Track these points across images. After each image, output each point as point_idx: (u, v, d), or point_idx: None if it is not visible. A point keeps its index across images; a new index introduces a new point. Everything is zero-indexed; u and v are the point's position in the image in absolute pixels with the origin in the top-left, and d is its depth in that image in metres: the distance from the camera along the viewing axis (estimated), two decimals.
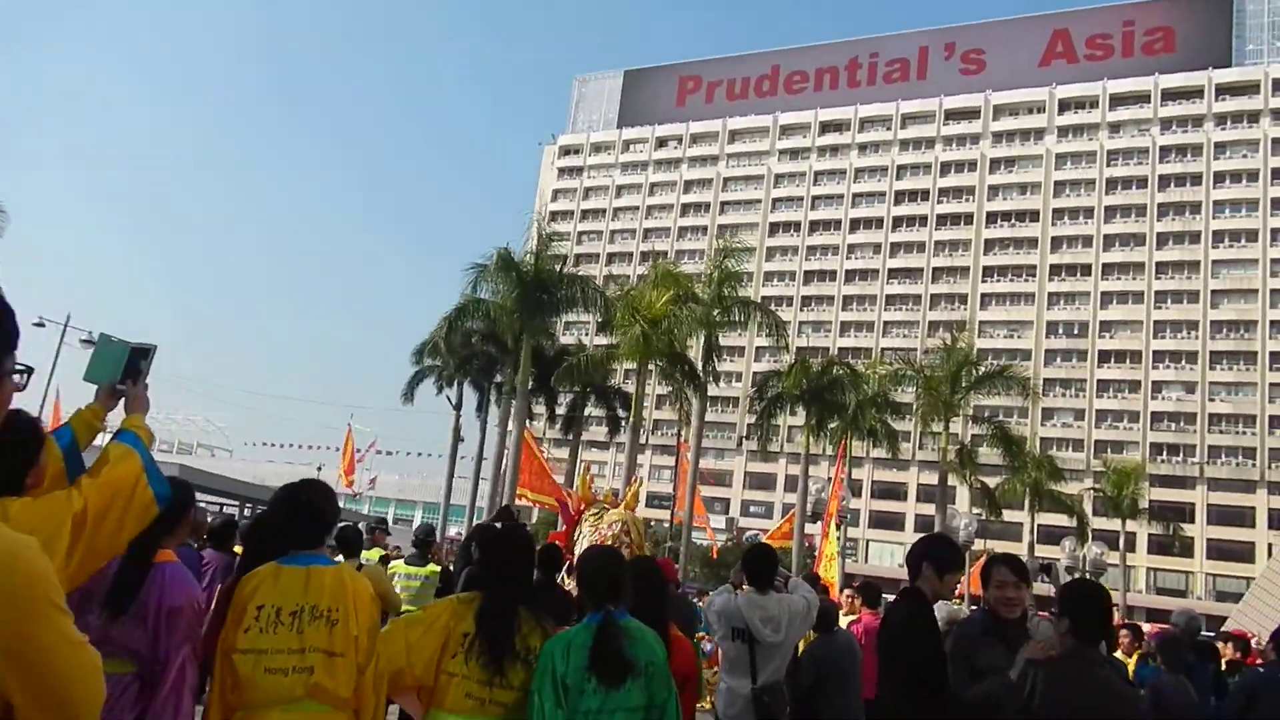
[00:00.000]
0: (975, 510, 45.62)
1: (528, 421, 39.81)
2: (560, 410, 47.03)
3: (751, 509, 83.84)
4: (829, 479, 47.32)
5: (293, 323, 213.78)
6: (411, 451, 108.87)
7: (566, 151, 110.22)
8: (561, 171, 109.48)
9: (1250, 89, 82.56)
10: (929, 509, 59.31)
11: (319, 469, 65.32)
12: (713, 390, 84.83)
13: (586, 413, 49.44)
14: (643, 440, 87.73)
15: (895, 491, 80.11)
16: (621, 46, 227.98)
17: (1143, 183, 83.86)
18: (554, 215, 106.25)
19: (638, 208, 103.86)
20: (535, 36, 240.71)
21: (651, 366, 32.65)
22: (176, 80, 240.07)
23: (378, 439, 75.59)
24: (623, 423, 42.43)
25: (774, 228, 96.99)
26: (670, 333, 28.59)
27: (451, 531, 51.36)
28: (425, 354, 46.83)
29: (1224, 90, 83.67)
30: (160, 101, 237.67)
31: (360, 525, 9.37)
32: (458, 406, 49.81)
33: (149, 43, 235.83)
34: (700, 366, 31.70)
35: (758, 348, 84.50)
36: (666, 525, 49.92)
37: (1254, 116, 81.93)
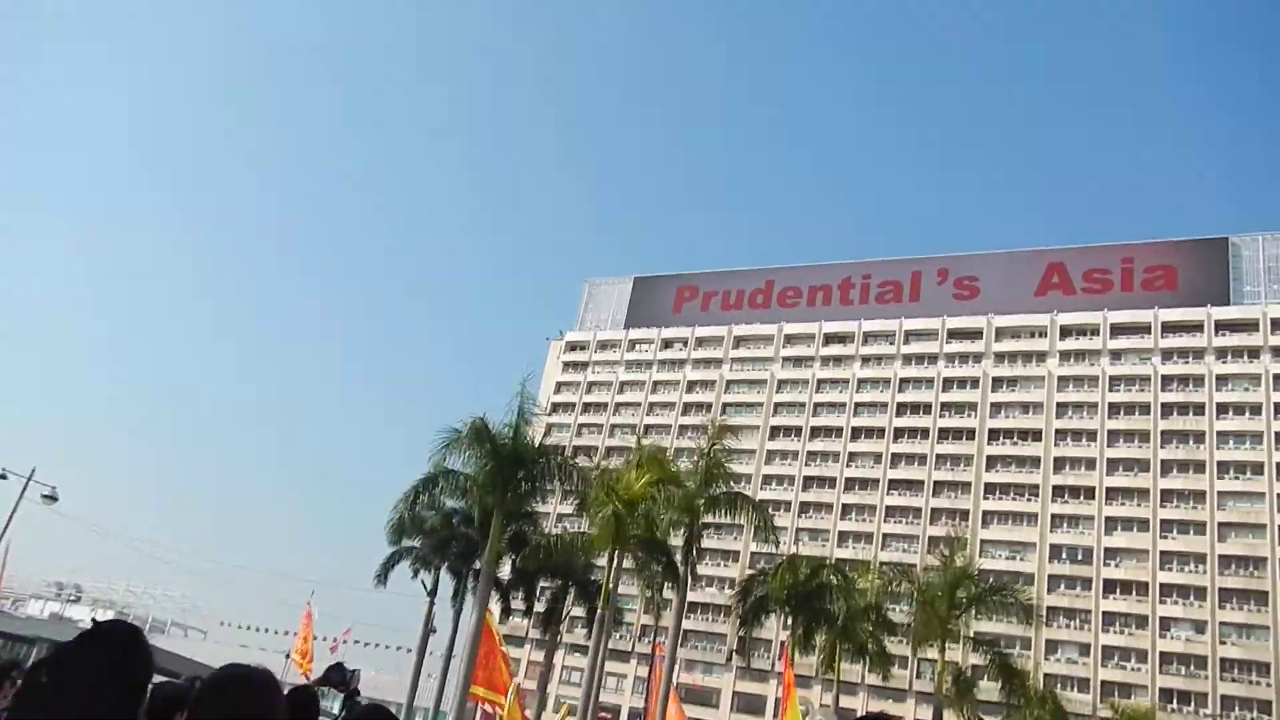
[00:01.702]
0: None
1: (500, 615, 37.60)
2: (541, 607, 44.69)
3: None
4: (822, 706, 44.10)
5: (283, 489, 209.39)
6: (390, 645, 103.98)
7: (573, 347, 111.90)
8: (567, 366, 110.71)
9: (1250, 326, 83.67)
10: None
11: (288, 656, 61.77)
12: (701, 596, 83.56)
13: (568, 611, 47.08)
14: (627, 647, 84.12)
15: None
16: (630, 254, 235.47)
17: (1145, 409, 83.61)
18: (555, 407, 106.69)
19: (639, 404, 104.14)
20: (546, 237, 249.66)
21: (629, 562, 30.94)
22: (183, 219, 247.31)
23: (352, 627, 72.07)
24: (605, 622, 40.01)
25: (774, 431, 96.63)
26: (648, 517, 27.10)
27: None
28: (404, 533, 44.87)
29: (1223, 326, 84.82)
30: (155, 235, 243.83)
31: None
32: (432, 593, 47.24)
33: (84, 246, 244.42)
34: (681, 558, 29.84)
35: (752, 554, 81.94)
36: None
37: (1254, 352, 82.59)
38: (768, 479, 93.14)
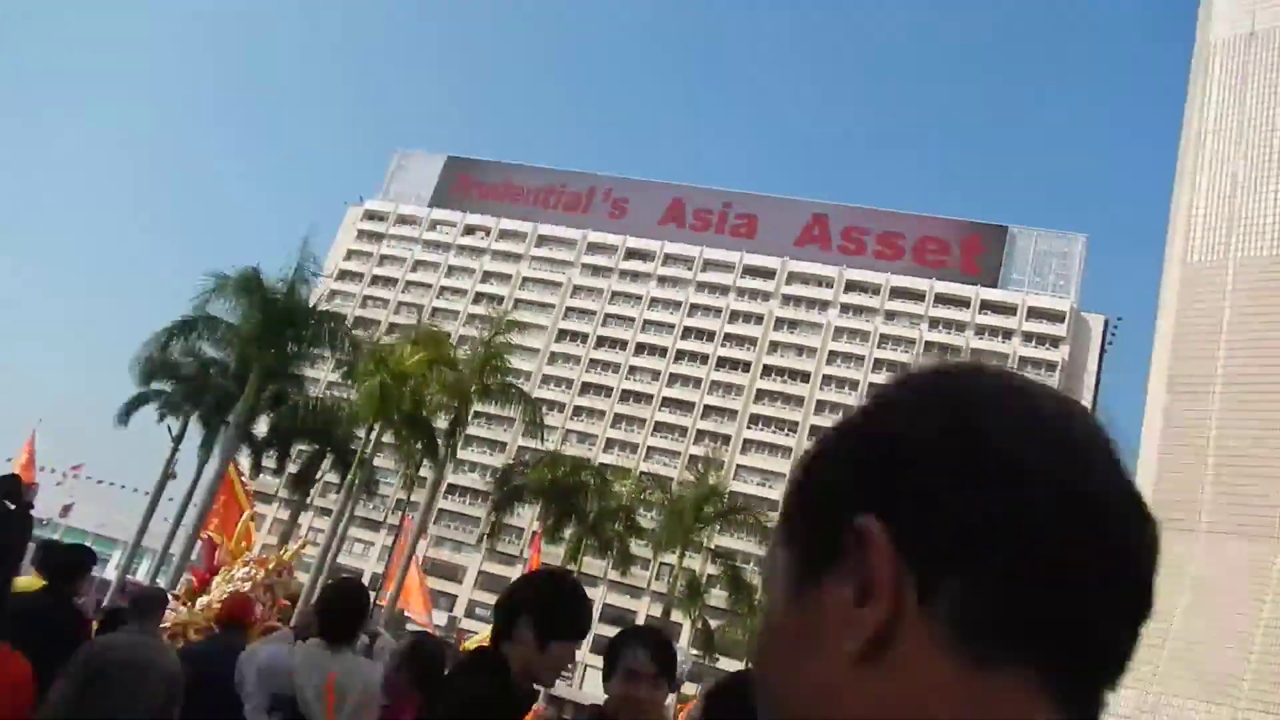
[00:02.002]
0: (694, 651, 44.77)
1: (250, 471, 35.93)
2: (296, 469, 43.20)
3: (477, 610, 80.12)
4: None
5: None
6: (126, 485, 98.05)
7: (372, 216, 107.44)
8: (362, 234, 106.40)
9: (1009, 310, 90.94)
10: None
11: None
12: (463, 480, 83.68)
13: (323, 475, 45.75)
14: (379, 518, 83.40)
15: (623, 619, 78.76)
16: (448, 131, 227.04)
17: (906, 369, 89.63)
18: (344, 274, 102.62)
19: (431, 286, 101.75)
20: (368, 97, 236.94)
21: (393, 438, 30.18)
22: None
23: (84, 464, 67.31)
24: (355, 489, 39.24)
25: (562, 334, 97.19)
26: (416, 395, 26.36)
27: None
28: (153, 375, 41.87)
29: (987, 305, 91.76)
30: None
31: None
32: (177, 440, 44.64)
33: None
34: (444, 439, 29.37)
35: (520, 448, 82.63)
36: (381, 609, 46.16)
37: (1008, 333, 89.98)
38: (548, 379, 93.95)
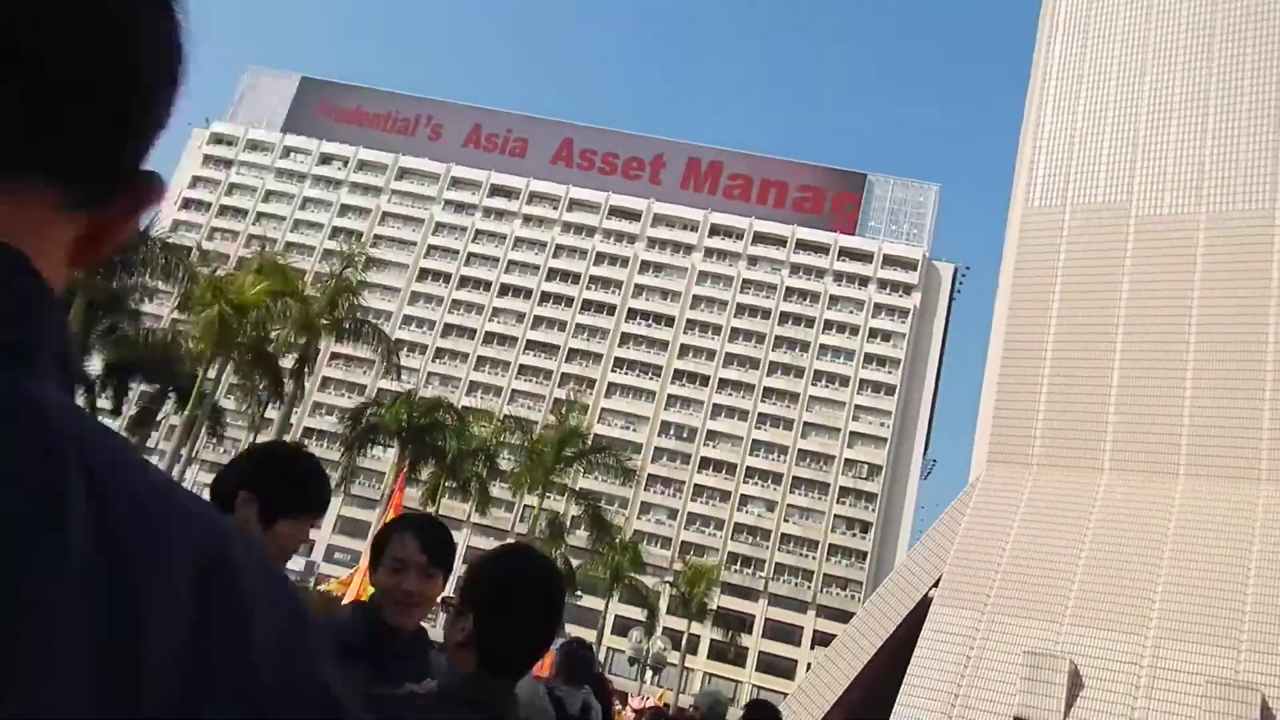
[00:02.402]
0: None
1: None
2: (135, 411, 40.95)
3: (337, 555, 78.45)
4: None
5: None
6: None
7: (219, 140, 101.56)
8: (208, 160, 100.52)
9: (866, 257, 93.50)
10: None
11: None
12: (321, 424, 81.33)
13: (166, 416, 43.50)
14: (223, 460, 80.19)
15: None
16: (302, 51, 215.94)
17: (767, 314, 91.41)
18: (188, 203, 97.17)
19: (284, 218, 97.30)
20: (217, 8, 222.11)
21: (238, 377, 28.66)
22: None
23: None
24: (196, 429, 37.41)
25: (424, 274, 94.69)
26: (261, 327, 25.01)
27: None
28: None
29: (845, 252, 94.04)
30: None
31: None
32: None
33: None
34: (293, 375, 28.02)
35: (380, 389, 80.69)
36: None
37: (865, 280, 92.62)
38: (409, 319, 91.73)
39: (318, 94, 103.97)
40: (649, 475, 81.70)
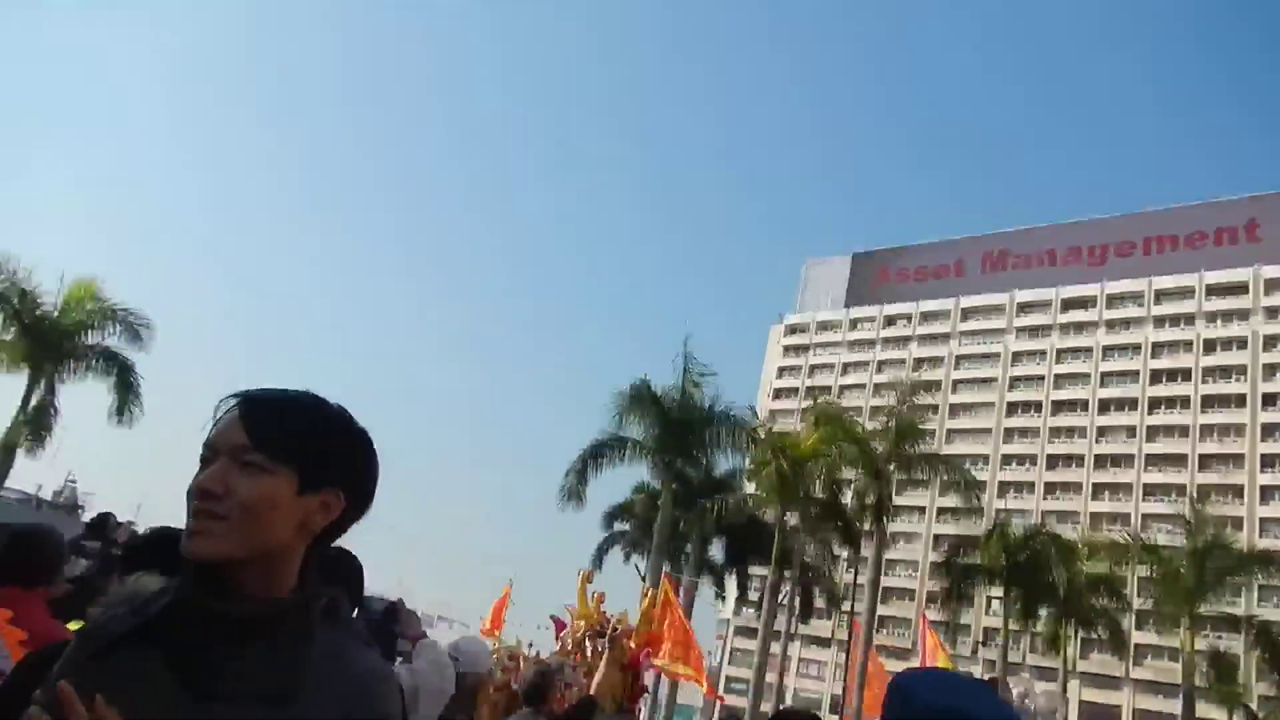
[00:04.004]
0: None
1: (734, 605, 35.42)
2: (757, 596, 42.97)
3: None
4: (1030, 695, 39.33)
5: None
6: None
7: (793, 330, 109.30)
8: (787, 350, 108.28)
9: None
10: None
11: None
12: (890, 581, 78.27)
13: (784, 599, 45.15)
14: (826, 634, 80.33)
15: (1108, 715, 67.94)
16: (847, 230, 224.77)
17: None
18: (778, 392, 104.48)
19: (864, 386, 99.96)
20: (761, 223, 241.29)
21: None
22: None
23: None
24: (815, 607, 37.45)
25: (1012, 408, 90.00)
26: (825, 477, 24.97)
27: None
28: (616, 518, 44.76)
29: None
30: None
31: None
32: (646, 576, 46.75)
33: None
34: (867, 525, 27.31)
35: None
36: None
37: None
38: (1007, 459, 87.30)
39: (866, 266, 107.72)
40: None
